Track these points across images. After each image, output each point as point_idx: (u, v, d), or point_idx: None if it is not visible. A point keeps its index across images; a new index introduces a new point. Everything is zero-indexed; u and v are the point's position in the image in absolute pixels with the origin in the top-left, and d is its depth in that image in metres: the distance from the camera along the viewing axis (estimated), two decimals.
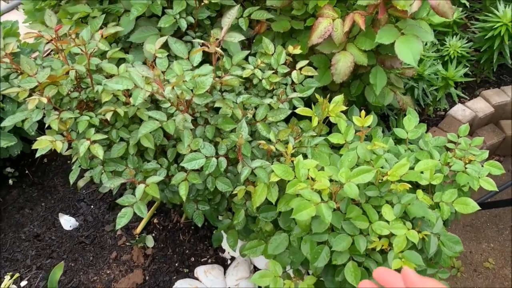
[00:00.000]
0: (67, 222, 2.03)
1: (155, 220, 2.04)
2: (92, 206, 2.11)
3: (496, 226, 2.31)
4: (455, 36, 2.36)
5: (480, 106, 2.41)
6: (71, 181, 1.38)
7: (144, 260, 1.92)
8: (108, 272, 1.89)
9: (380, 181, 1.23)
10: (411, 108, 1.60)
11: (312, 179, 1.19)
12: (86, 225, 2.04)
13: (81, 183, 1.54)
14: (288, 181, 1.21)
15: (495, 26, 2.23)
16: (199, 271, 1.87)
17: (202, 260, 1.93)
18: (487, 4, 2.42)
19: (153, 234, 2.00)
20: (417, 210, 1.16)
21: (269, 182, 1.22)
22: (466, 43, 2.35)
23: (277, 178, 1.21)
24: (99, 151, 1.15)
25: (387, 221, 1.17)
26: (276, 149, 1.27)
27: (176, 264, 1.91)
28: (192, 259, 1.93)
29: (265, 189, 1.24)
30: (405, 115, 2.13)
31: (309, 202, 1.11)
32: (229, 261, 1.95)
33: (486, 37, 2.27)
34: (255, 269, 1.90)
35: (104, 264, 1.91)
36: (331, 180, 1.22)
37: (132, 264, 1.91)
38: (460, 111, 2.37)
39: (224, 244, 1.95)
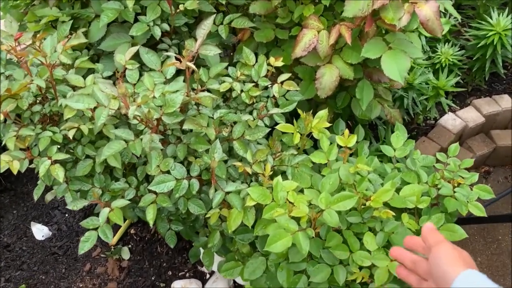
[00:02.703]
0: (40, 231, 1.95)
1: (132, 231, 1.96)
2: (66, 215, 2.03)
3: (483, 239, 2.26)
4: (447, 43, 2.29)
5: (470, 115, 2.35)
6: (36, 197, 1.30)
7: (119, 273, 1.84)
8: (81, 285, 1.81)
9: (363, 206, 1.16)
10: (400, 123, 1.53)
11: (291, 202, 1.11)
12: (59, 235, 1.96)
13: (49, 197, 1.45)
14: (266, 204, 1.14)
15: (488, 35, 2.16)
16: (176, 286, 1.80)
17: (179, 274, 1.86)
18: (480, 11, 2.34)
19: (130, 246, 1.92)
20: (401, 241, 1.09)
21: (244, 206, 1.14)
22: (458, 50, 2.28)
23: (253, 202, 1.13)
24: (59, 173, 1.06)
25: (369, 251, 1.10)
26: (253, 170, 1.19)
27: (153, 278, 1.84)
28: (170, 272, 1.86)
29: (240, 213, 1.16)
30: (393, 125, 2.07)
31: (285, 231, 1.04)
32: (208, 275, 1.87)
33: (479, 45, 2.20)
34: (235, 284, 1.83)
35: (77, 277, 1.83)
36: (310, 204, 1.15)
37: (106, 278, 1.83)
38: (450, 120, 2.30)
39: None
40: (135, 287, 1.81)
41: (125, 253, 1.89)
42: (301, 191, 1.24)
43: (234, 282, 1.84)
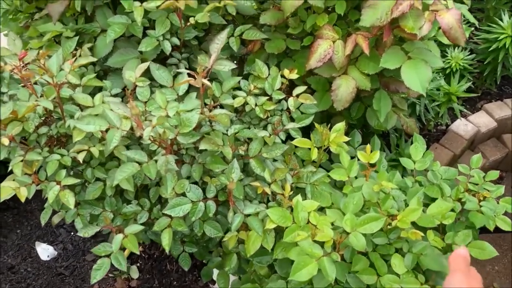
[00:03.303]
0: (45, 251, 1.88)
1: (141, 248, 1.89)
2: (72, 233, 1.96)
3: (500, 247, 2.20)
4: (457, 47, 2.24)
5: (482, 120, 2.30)
6: (43, 222, 1.25)
7: None
8: None
9: (388, 225, 1.10)
10: (417, 133, 1.48)
11: (313, 224, 1.06)
12: (65, 254, 1.90)
13: (56, 219, 1.39)
14: (287, 226, 1.08)
15: (500, 38, 2.11)
16: None
17: None
18: (490, 14, 2.30)
19: (138, 264, 1.86)
20: (430, 263, 1.03)
21: (264, 229, 1.09)
22: (469, 54, 2.23)
23: (273, 225, 1.07)
24: (70, 200, 1.01)
25: (398, 274, 1.04)
26: (272, 190, 1.13)
27: None
28: None
29: (260, 237, 1.11)
30: (407, 134, 2.01)
31: (309, 256, 0.98)
32: None
33: (490, 49, 2.15)
34: None
35: None
36: (332, 224, 1.09)
37: None
38: (462, 126, 2.25)
39: (215, 276, 1.81)
40: None
41: (134, 272, 1.83)
42: (321, 209, 1.19)
43: None
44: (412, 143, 1.61)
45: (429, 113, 2.13)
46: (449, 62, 2.17)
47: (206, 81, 1.01)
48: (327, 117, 1.62)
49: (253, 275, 1.33)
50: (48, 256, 1.88)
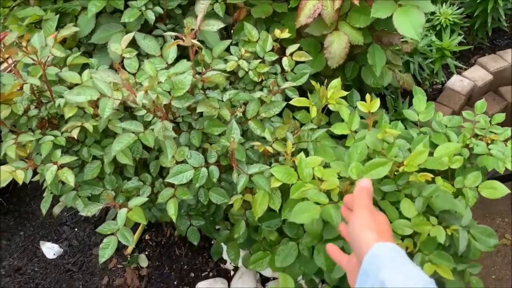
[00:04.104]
0: (50, 249, 1.85)
1: (147, 237, 1.87)
2: (76, 229, 1.93)
3: (508, 199, 2.18)
4: (444, 3, 2.21)
5: (478, 74, 2.28)
6: (44, 211, 1.21)
7: (140, 282, 1.75)
8: None
9: (395, 172, 1.08)
10: (416, 87, 1.45)
11: (319, 179, 1.03)
12: (71, 251, 1.86)
13: (56, 210, 1.36)
14: (291, 184, 1.05)
15: None
16: (201, 287, 1.71)
17: (202, 274, 1.77)
18: None
19: (146, 252, 1.83)
20: (442, 203, 1.01)
21: (270, 188, 1.06)
22: (457, 9, 2.20)
23: (278, 183, 1.05)
24: (69, 177, 0.97)
25: (408, 219, 1.01)
26: (274, 149, 1.10)
27: (175, 283, 1.75)
28: (192, 274, 1.77)
29: (266, 197, 1.08)
30: (403, 92, 1.99)
31: (315, 204, 0.96)
32: (232, 272, 1.79)
33: (478, 0, 2.12)
34: (262, 278, 1.75)
35: None
36: (340, 177, 1.06)
37: None
38: (458, 82, 2.23)
39: (225, 254, 1.79)
40: None
41: (143, 261, 1.80)
42: (326, 166, 1.16)
43: (261, 275, 1.76)
44: (409, 103, 1.56)
45: (423, 71, 2.10)
46: (438, 19, 2.14)
47: (195, 41, 0.97)
48: (321, 81, 1.59)
49: (263, 243, 1.31)
50: (54, 254, 1.85)
